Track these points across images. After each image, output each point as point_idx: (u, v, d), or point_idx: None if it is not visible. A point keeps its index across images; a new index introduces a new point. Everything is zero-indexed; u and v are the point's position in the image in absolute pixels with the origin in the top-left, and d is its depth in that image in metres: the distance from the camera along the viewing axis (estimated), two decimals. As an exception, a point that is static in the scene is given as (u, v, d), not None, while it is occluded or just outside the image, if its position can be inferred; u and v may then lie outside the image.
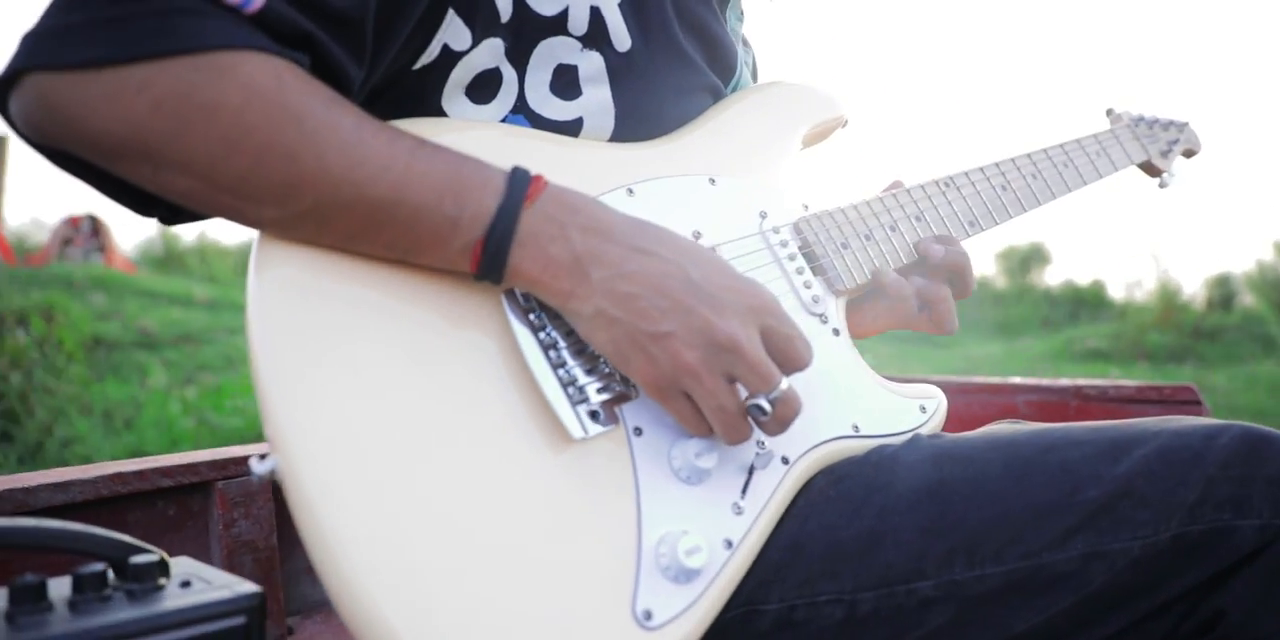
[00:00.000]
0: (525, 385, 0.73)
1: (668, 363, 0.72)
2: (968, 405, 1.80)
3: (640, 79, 0.89)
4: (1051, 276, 12.85)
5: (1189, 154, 1.47)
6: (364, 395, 0.68)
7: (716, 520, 0.75)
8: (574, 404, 0.74)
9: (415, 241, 0.71)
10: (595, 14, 0.86)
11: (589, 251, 0.71)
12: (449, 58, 0.82)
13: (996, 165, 1.12)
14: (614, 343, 0.73)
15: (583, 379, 0.75)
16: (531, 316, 0.76)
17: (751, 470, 0.79)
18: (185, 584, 0.73)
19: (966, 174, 1.09)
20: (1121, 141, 1.29)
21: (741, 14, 1.13)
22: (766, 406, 0.73)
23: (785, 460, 0.81)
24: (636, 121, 0.90)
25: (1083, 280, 12.13)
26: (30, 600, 0.67)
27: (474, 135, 0.83)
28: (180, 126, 0.66)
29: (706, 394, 0.72)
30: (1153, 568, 0.76)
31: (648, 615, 0.69)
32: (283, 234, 0.71)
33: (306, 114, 0.67)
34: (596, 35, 0.87)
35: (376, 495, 0.66)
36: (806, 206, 0.96)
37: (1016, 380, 1.79)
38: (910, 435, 0.87)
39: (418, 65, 0.82)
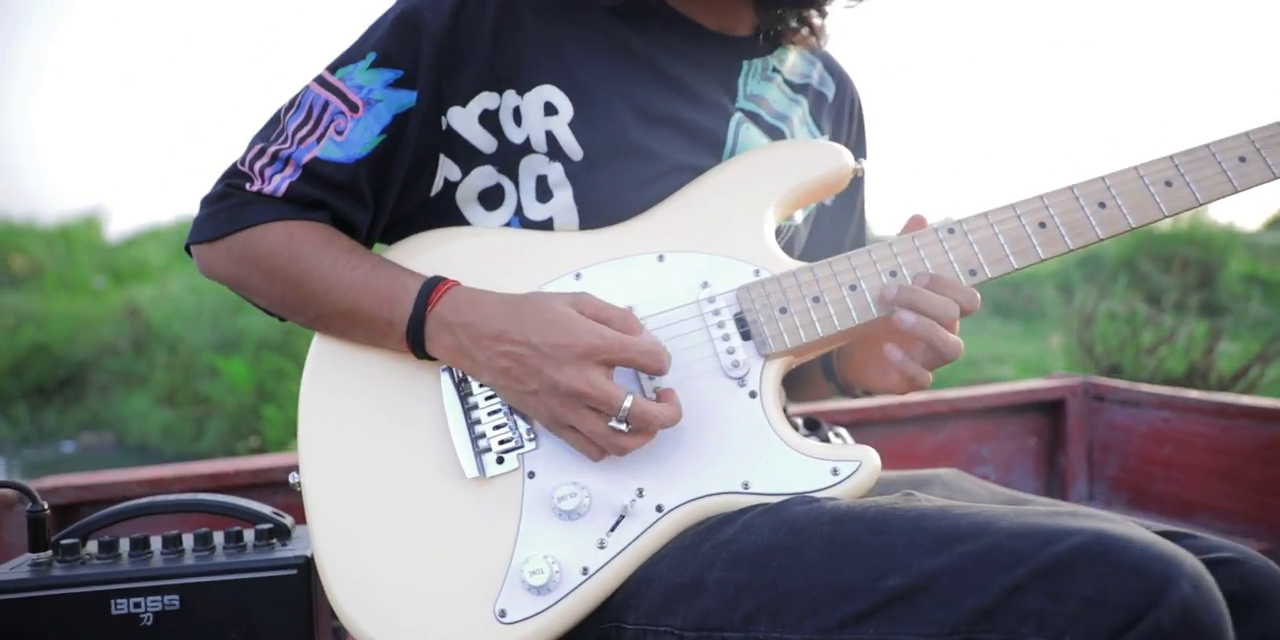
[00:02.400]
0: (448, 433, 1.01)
1: (544, 411, 0.95)
2: (1227, 432, 1.55)
3: (596, 179, 1.06)
4: None
5: None
6: (347, 437, 1.02)
7: (579, 550, 0.95)
8: (479, 452, 0.99)
9: (374, 335, 1.02)
10: (549, 135, 1.06)
11: (470, 341, 0.96)
12: (450, 186, 1.10)
13: (1042, 198, 1.04)
14: (511, 400, 0.98)
15: (490, 433, 0.99)
16: (469, 382, 1.02)
17: (621, 516, 0.96)
18: (285, 545, 1.16)
19: (987, 214, 1.04)
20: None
21: (774, 71, 1.19)
22: (619, 426, 0.92)
23: (659, 508, 0.96)
24: (598, 214, 1.07)
25: None
26: (202, 543, 1.14)
27: (465, 244, 1.10)
28: (247, 272, 1.06)
29: (580, 423, 0.94)
30: None
31: (503, 613, 0.94)
32: (315, 331, 1.07)
33: (302, 257, 1.03)
34: (555, 150, 1.07)
35: (341, 504, 1.00)
36: (758, 272, 1.04)
37: (1291, 404, 1.49)
38: (799, 496, 0.95)
39: (433, 194, 1.11)
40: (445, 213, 1.12)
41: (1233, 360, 5.08)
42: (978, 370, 6.88)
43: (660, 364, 0.94)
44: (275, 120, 1.10)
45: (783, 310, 1.02)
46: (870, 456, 0.98)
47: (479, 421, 1.00)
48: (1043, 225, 1.04)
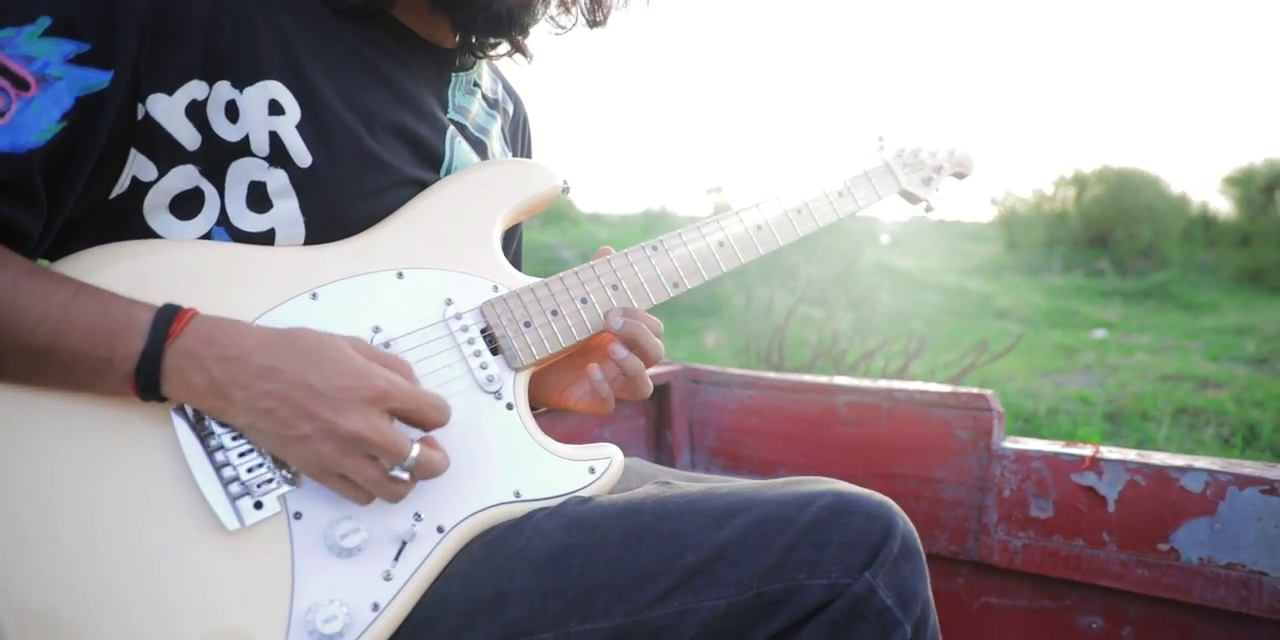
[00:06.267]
0: (192, 483, 0.88)
1: (313, 458, 0.86)
2: (795, 404, 1.94)
3: (325, 188, 1.00)
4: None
5: (959, 176, 1.56)
6: (39, 504, 0.84)
7: (365, 587, 0.91)
8: (234, 498, 0.89)
9: (79, 379, 0.85)
10: (274, 137, 0.97)
11: (226, 378, 0.85)
12: (139, 187, 0.95)
13: (718, 220, 1.22)
14: (270, 445, 0.88)
15: (245, 475, 0.89)
16: (206, 422, 0.90)
17: (404, 543, 0.94)
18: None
19: (680, 234, 1.19)
20: (872, 178, 1.38)
21: (475, 85, 1.22)
22: (403, 475, 0.88)
23: (440, 529, 0.96)
24: (327, 227, 1.01)
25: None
26: None
27: (176, 256, 0.95)
28: None
29: (354, 472, 0.87)
30: (740, 620, 0.91)
31: (291, 672, 0.86)
32: None
33: None
34: (278, 154, 0.98)
35: (47, 593, 0.82)
36: (496, 288, 1.08)
37: (839, 381, 1.92)
38: (570, 497, 1.02)
39: (113, 195, 0.94)
40: (124, 221, 0.96)
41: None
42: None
43: (444, 418, 0.91)
44: None
45: (527, 324, 1.07)
46: (615, 453, 1.08)
47: (227, 463, 0.90)
48: (721, 244, 1.22)
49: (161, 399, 0.87)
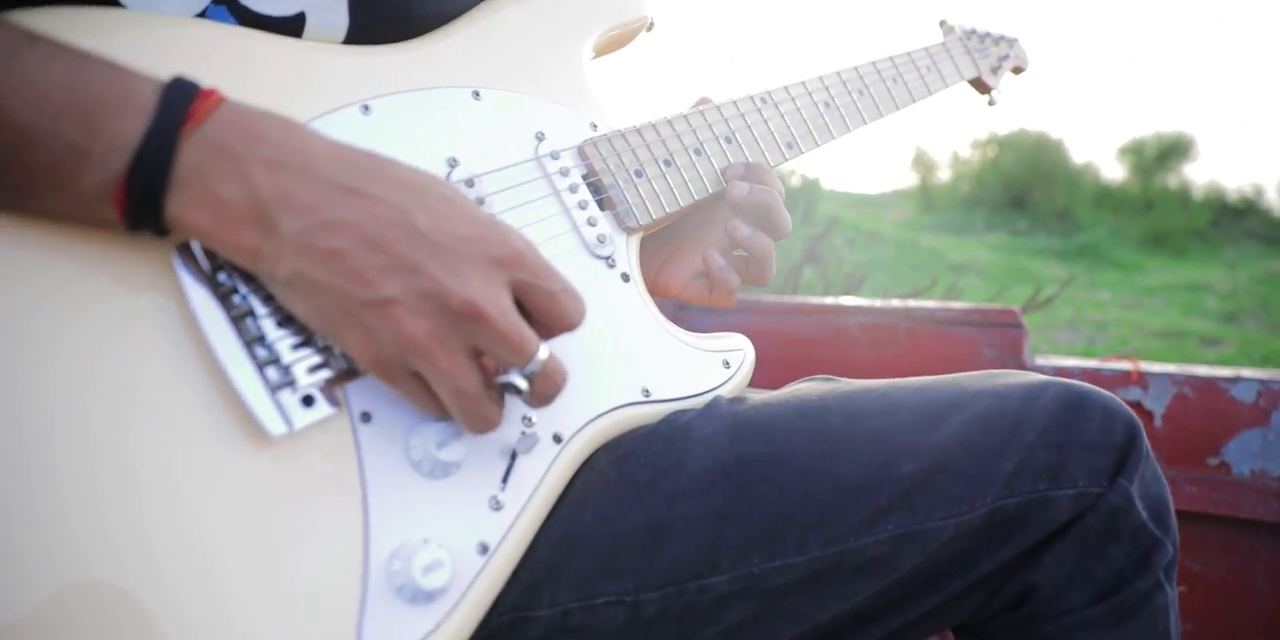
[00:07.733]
0: (214, 368, 0.57)
1: (389, 337, 0.55)
2: (801, 327, 1.73)
3: None
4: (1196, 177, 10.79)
5: (1017, 71, 1.40)
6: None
7: (468, 521, 0.62)
8: (274, 390, 0.58)
9: (27, 180, 0.52)
10: None
11: (278, 194, 0.54)
12: None
13: (821, 79, 0.99)
14: (320, 312, 0.56)
15: (289, 356, 0.59)
16: (220, 277, 0.58)
17: (514, 455, 0.65)
18: None
19: (786, 89, 0.95)
20: (953, 55, 1.19)
21: None
22: (522, 384, 0.59)
23: (558, 438, 0.68)
24: (376, 20, 0.71)
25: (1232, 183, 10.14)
26: None
27: (157, 35, 0.63)
28: None
29: (441, 374, 0.57)
30: (967, 545, 0.69)
31: (375, 646, 0.56)
32: None
33: None
34: None
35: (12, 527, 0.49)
36: (595, 126, 0.80)
37: (848, 301, 1.73)
38: (710, 397, 0.76)
39: None
40: None
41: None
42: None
43: (580, 315, 0.61)
44: None
45: (638, 173, 0.80)
46: (747, 344, 0.83)
47: (260, 338, 0.58)
48: (827, 105, 0.99)
49: (161, 230, 0.54)
